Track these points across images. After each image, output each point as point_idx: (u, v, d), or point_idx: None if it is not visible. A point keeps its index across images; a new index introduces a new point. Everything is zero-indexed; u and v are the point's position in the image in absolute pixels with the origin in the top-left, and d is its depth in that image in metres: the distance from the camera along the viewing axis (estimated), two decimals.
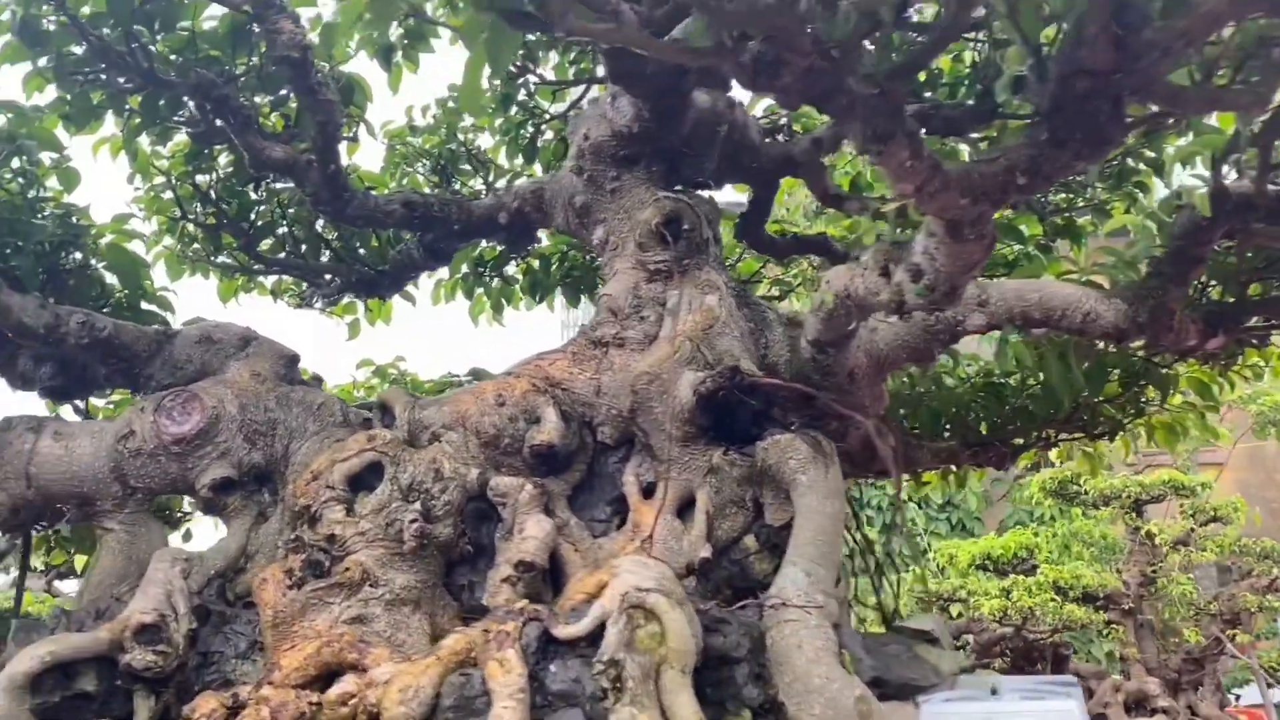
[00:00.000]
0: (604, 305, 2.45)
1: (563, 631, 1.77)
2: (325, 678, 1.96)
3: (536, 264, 3.48)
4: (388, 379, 3.48)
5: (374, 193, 2.66)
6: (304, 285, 3.25)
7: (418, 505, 2.16)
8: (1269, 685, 9.45)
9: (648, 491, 2.30)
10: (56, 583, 6.71)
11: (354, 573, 2.06)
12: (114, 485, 2.34)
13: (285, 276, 3.21)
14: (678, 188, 2.58)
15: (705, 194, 2.63)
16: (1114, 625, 9.25)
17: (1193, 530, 9.00)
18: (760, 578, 2.21)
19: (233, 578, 2.32)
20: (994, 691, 1.98)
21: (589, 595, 2.11)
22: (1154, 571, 9.26)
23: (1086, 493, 9.48)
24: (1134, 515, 9.24)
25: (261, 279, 3.31)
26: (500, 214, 2.74)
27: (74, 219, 2.55)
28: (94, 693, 2.02)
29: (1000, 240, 2.44)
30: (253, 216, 3.01)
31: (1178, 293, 2.12)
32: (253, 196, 3.00)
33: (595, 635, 1.80)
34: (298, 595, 2.09)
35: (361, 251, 3.01)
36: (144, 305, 2.88)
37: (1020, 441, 3.15)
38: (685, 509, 2.25)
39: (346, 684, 1.85)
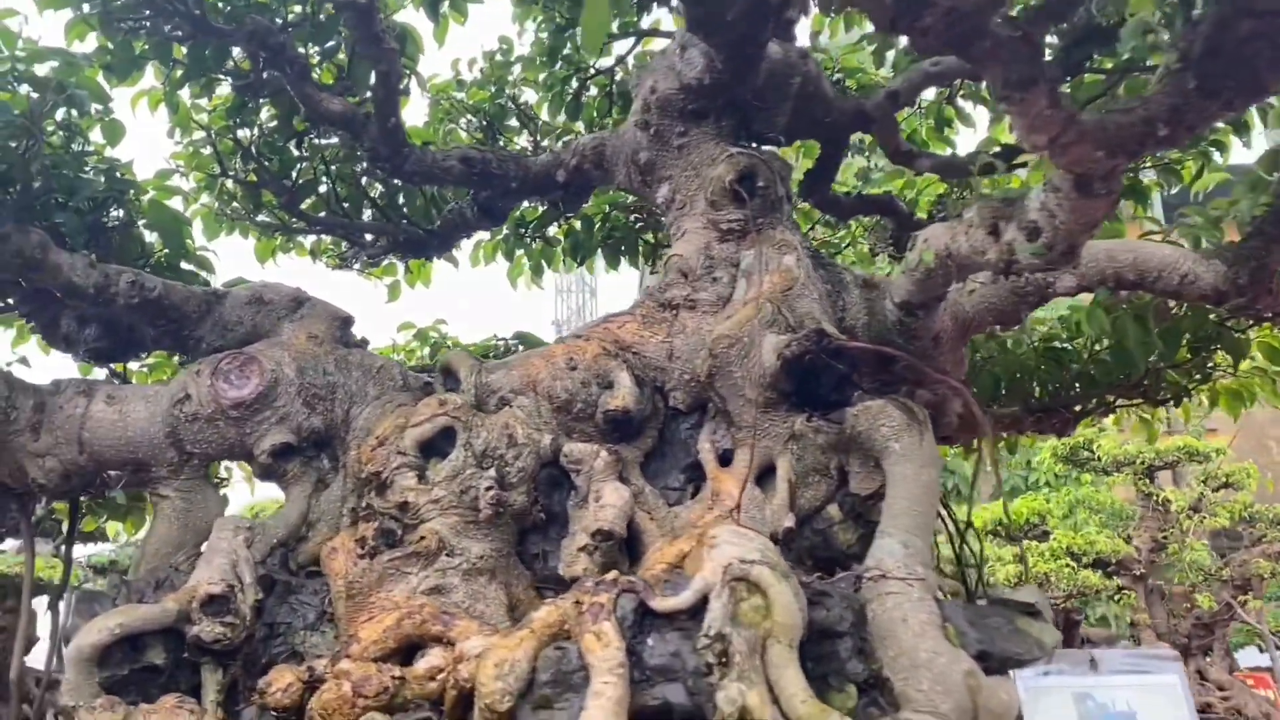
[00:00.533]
0: (673, 266, 2.36)
1: (662, 604, 1.70)
2: (404, 650, 1.90)
3: (579, 225, 3.38)
4: (428, 342, 3.39)
5: (430, 148, 2.55)
6: (345, 245, 3.15)
7: (492, 472, 2.08)
8: (1278, 648, 9.50)
9: (724, 459, 2.22)
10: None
11: (430, 542, 1.99)
12: (169, 451, 2.25)
13: (325, 236, 3.11)
14: (748, 143, 2.49)
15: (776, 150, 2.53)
16: (1125, 591, 9.27)
17: (1203, 496, 9.03)
18: (844, 548, 2.14)
19: (294, 546, 2.24)
20: (1093, 664, 1.92)
21: (670, 565, 2.04)
22: (1165, 537, 9.27)
23: (1099, 458, 9.47)
24: (1147, 481, 9.24)
25: (300, 239, 3.20)
26: (559, 171, 2.64)
27: (118, 174, 2.45)
28: (161, 665, 1.95)
29: None
30: (294, 173, 2.90)
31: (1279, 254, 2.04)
32: (295, 153, 2.89)
33: (695, 609, 1.73)
34: (371, 565, 2.02)
35: (406, 211, 2.91)
36: (184, 265, 2.79)
37: (1080, 408, 3.08)
38: (764, 477, 2.17)
39: (434, 657, 1.78)
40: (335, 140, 2.84)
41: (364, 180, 2.93)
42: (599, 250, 3.48)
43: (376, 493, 2.13)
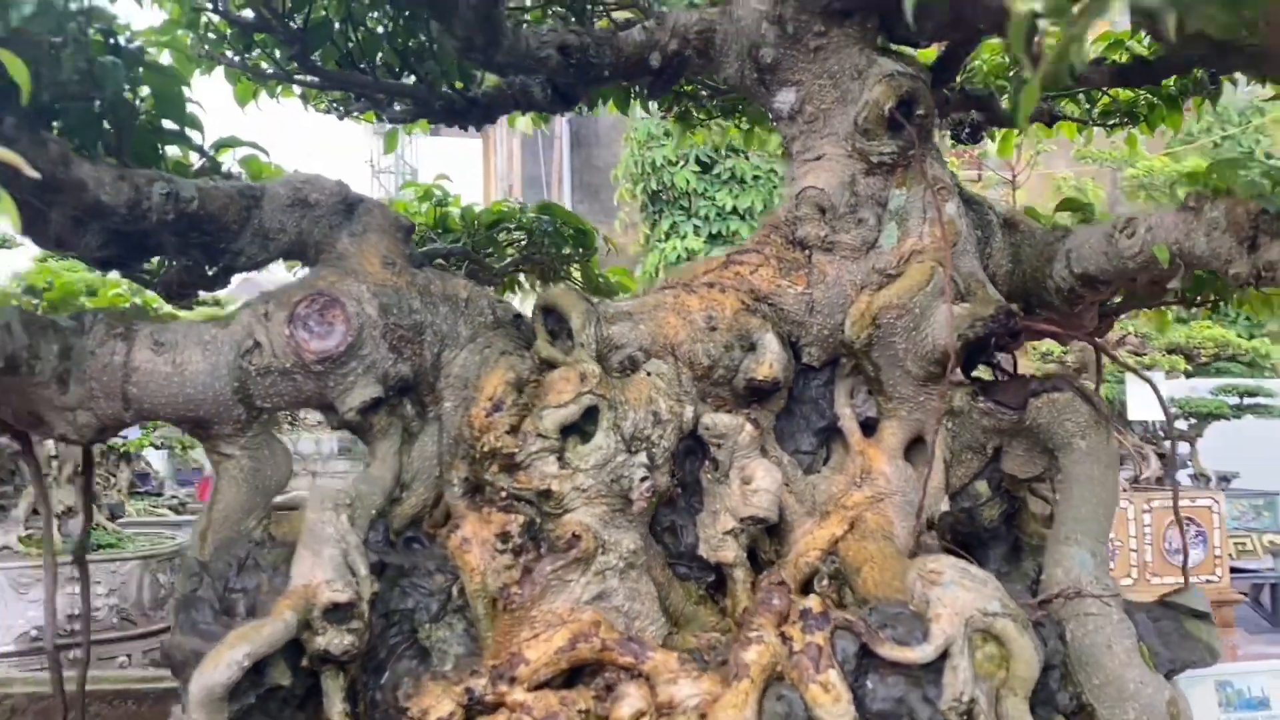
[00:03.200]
0: (809, 199, 2.09)
1: (896, 654, 1.59)
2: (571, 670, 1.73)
3: None
4: (429, 200, 2.98)
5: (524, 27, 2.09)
6: (354, 100, 2.65)
7: (642, 457, 1.86)
8: None
9: (865, 427, 2.07)
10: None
11: (588, 543, 1.78)
12: (237, 408, 1.90)
13: (334, 90, 2.60)
14: (887, 48, 2.17)
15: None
16: None
17: None
18: (986, 523, 2.07)
19: (388, 510, 1.99)
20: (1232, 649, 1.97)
21: (823, 551, 1.93)
22: None
23: None
24: None
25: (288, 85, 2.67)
26: (652, 54, 2.24)
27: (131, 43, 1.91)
28: (288, 685, 1.72)
29: None
30: (303, 15, 2.36)
31: None
32: None
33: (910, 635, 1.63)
34: (516, 564, 1.81)
35: (447, 76, 2.44)
36: (165, 123, 2.27)
37: None
38: (911, 449, 2.05)
39: (634, 699, 1.62)
40: None
41: (390, 30, 2.42)
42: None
43: (503, 471, 1.88)
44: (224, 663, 1.61)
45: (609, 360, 2.00)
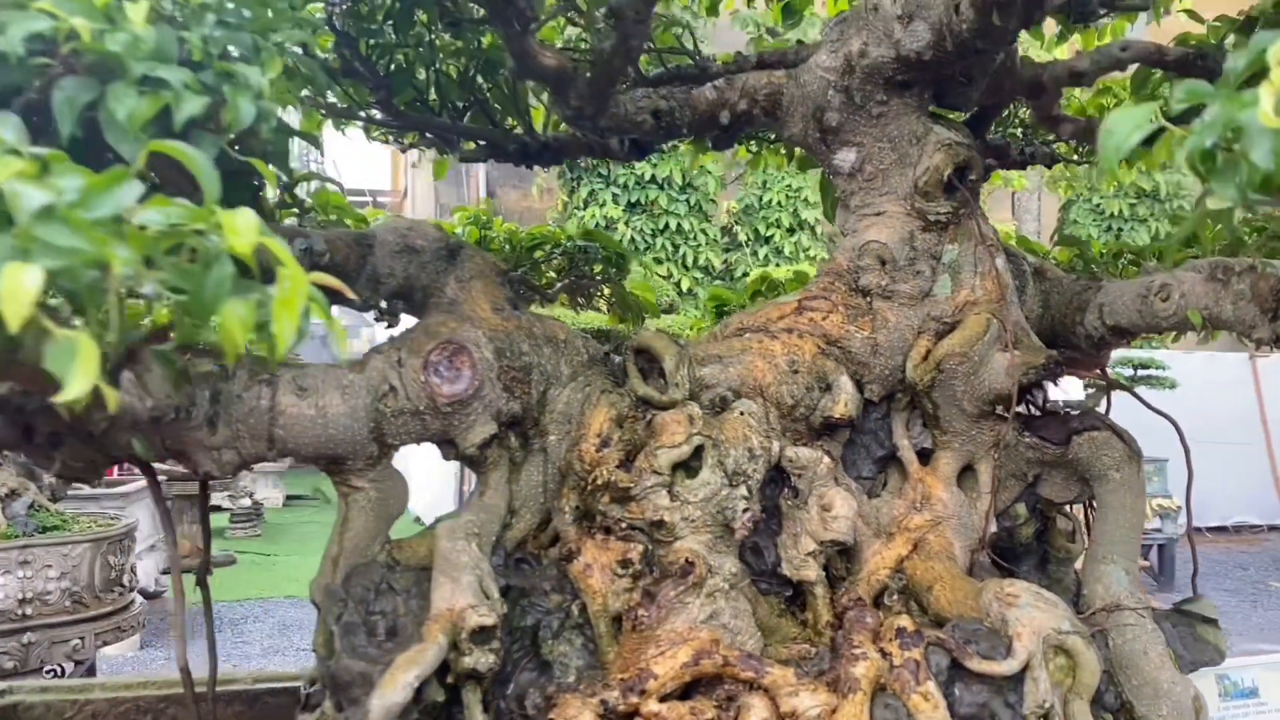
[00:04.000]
0: (872, 251, 2.33)
1: (985, 667, 1.86)
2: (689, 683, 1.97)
3: None
4: (475, 224, 3.15)
5: (623, 98, 2.27)
6: (419, 136, 2.80)
7: (741, 490, 2.10)
8: None
9: (920, 456, 2.33)
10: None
11: (701, 569, 2.01)
12: (371, 445, 2.08)
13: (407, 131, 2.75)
14: (938, 115, 2.42)
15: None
16: None
17: None
18: (1022, 540, 2.36)
19: (501, 535, 2.19)
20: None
21: (892, 570, 2.19)
22: None
23: None
24: None
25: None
26: (722, 112, 2.45)
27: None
28: (443, 702, 1.92)
29: None
30: (389, 61, 2.51)
31: None
32: (393, 37, 2.49)
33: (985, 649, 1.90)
34: (638, 588, 2.03)
35: (527, 121, 2.62)
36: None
37: None
38: (962, 476, 2.32)
39: (759, 710, 1.86)
40: (447, 36, 2.47)
41: (473, 76, 2.58)
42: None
43: (615, 502, 2.09)
44: (399, 685, 1.80)
45: (700, 398, 2.23)
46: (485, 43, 2.50)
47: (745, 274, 14.48)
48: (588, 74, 2.06)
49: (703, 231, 15.80)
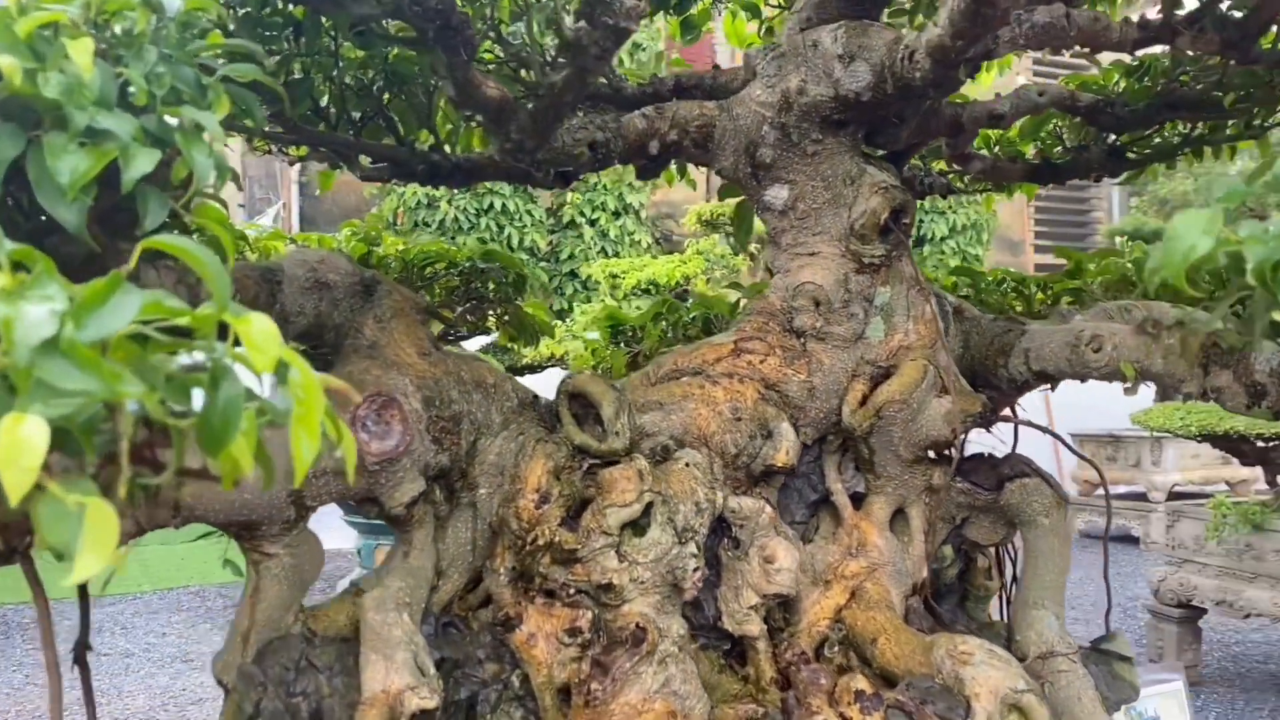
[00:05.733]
0: (806, 293, 2.29)
1: None
2: None
3: None
4: (367, 241, 2.93)
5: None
6: (308, 148, 2.56)
7: (691, 547, 2.01)
8: None
9: (853, 500, 2.31)
10: None
11: (653, 636, 1.92)
12: (289, 509, 1.87)
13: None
14: (869, 154, 2.40)
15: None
16: None
17: None
18: (947, 580, 2.39)
19: (429, 598, 2.02)
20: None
21: (831, 620, 2.17)
22: None
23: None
24: None
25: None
26: (652, 142, 2.35)
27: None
28: None
29: None
30: (288, 73, 2.28)
31: None
32: (288, 47, 2.25)
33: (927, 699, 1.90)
34: (579, 655, 1.92)
35: (443, 141, 2.42)
36: None
37: None
38: (894, 520, 2.31)
39: None
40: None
41: (378, 90, 2.37)
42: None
43: (558, 563, 1.97)
44: None
45: (640, 446, 2.12)
46: (392, 55, 2.30)
47: (571, 256, 14.33)
48: (530, 105, 1.91)
49: (528, 213, 15.56)
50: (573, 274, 14.21)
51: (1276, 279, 1.09)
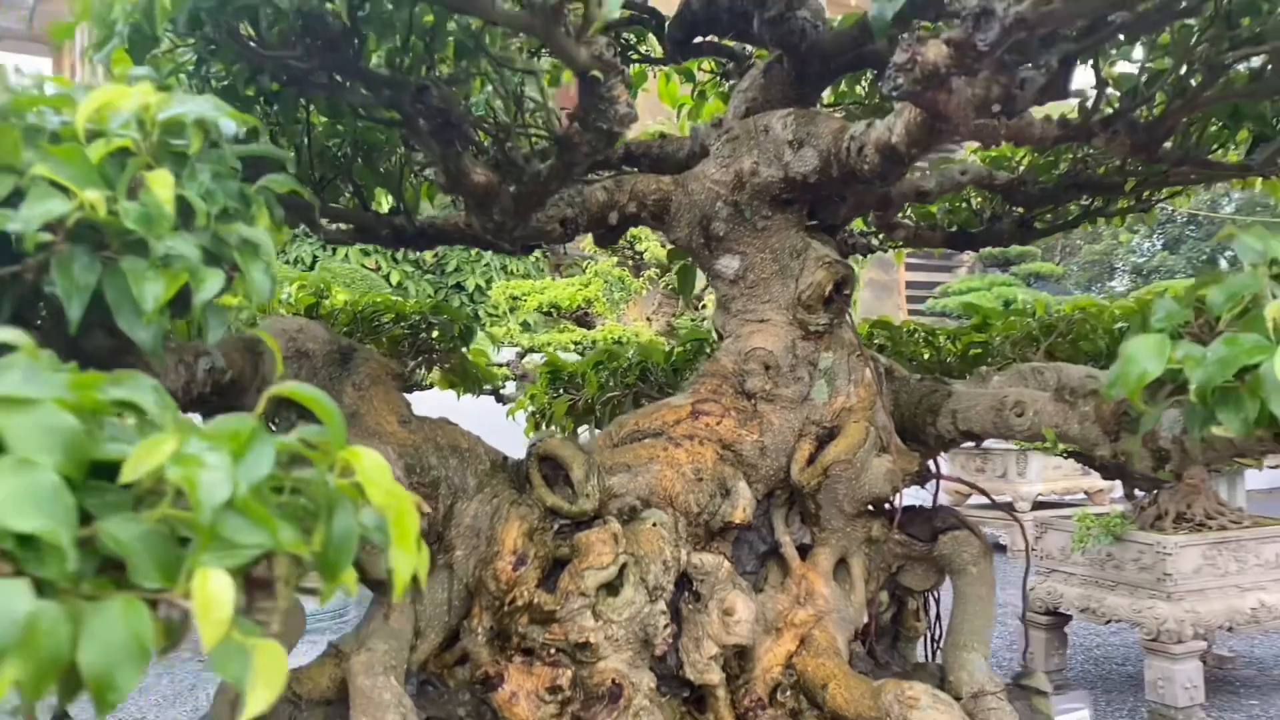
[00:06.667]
0: (757, 358, 2.45)
1: None
2: None
3: None
4: (316, 294, 2.97)
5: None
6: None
7: (661, 605, 2.14)
8: None
9: (799, 551, 2.48)
10: None
11: (629, 691, 2.04)
12: None
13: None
14: (812, 228, 2.58)
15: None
16: None
17: None
18: (883, 624, 2.58)
19: (408, 657, 2.10)
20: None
21: (783, 666, 2.33)
22: None
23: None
24: None
25: None
26: (611, 214, 2.48)
27: None
28: None
29: None
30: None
31: None
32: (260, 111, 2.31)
33: None
34: (559, 711, 2.02)
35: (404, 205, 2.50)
36: None
37: None
38: (836, 569, 2.49)
39: None
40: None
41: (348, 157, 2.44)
42: None
43: (536, 623, 2.07)
44: None
45: (608, 507, 2.25)
46: (362, 128, 2.38)
47: (458, 268, 14.22)
48: (513, 189, 2.02)
49: None
50: (459, 286, 14.07)
51: (1213, 397, 1.29)
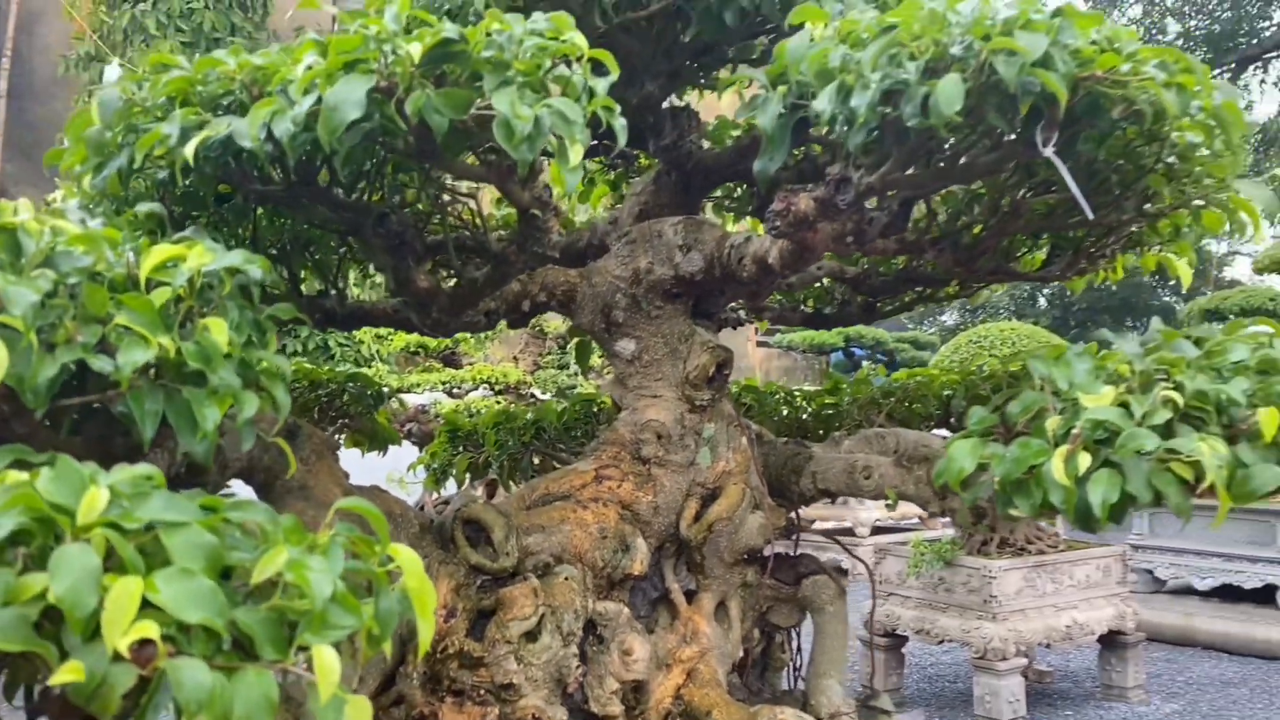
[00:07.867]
0: (651, 428, 2.84)
1: None
2: None
3: None
4: None
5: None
6: None
7: (573, 648, 2.49)
8: None
9: (686, 596, 2.88)
10: None
11: None
12: None
13: None
14: (697, 317, 2.99)
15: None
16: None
17: None
18: (754, 657, 3.00)
19: None
20: None
21: (673, 697, 2.72)
22: None
23: None
24: None
25: None
26: (524, 302, 2.84)
27: None
28: None
29: None
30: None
31: None
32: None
33: None
34: None
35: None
36: None
37: None
38: (717, 611, 2.89)
39: None
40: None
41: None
42: None
43: (465, 668, 2.39)
44: None
45: (525, 564, 2.59)
46: (304, 228, 2.65)
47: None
48: (449, 291, 2.36)
49: None
50: None
51: (1010, 488, 1.73)
